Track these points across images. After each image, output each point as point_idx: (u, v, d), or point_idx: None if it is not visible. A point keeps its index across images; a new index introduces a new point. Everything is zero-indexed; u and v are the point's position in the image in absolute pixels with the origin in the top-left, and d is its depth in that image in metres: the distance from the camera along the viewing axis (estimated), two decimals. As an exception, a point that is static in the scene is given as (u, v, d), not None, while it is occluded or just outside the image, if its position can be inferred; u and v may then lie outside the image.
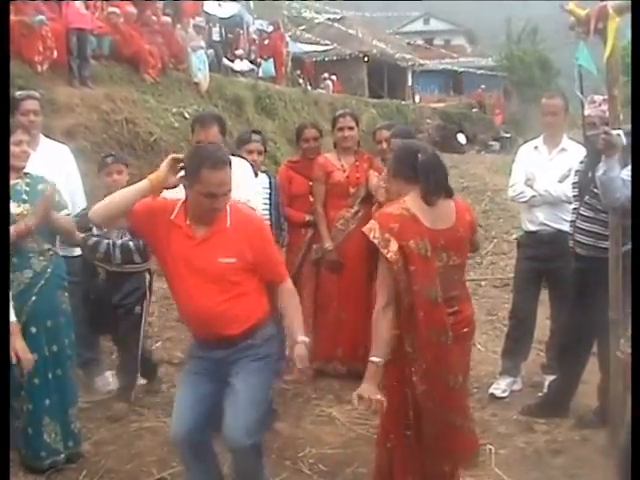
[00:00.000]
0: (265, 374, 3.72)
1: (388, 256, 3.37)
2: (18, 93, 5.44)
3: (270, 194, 5.67)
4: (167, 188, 3.55)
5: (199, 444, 3.69)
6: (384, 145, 5.81)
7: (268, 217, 5.57)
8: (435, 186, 3.52)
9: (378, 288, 3.50)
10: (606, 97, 4.47)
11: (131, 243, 5.10)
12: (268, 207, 5.58)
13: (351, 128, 6.02)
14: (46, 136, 5.51)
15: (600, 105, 4.68)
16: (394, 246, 3.37)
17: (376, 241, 3.40)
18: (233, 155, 4.80)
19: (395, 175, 3.65)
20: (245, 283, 3.61)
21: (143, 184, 3.51)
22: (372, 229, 3.43)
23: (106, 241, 5.08)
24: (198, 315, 3.58)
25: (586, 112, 4.86)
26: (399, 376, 3.60)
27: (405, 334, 3.50)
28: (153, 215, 3.58)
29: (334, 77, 27.94)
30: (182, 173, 3.53)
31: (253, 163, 5.29)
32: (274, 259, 3.82)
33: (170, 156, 3.58)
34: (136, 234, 4.22)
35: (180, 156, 3.58)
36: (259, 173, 5.54)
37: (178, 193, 3.64)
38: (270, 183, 5.71)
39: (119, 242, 5.10)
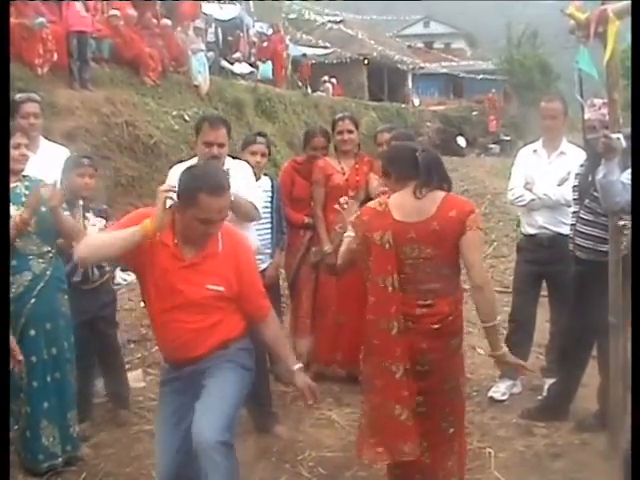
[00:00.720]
0: (238, 376, 3.52)
1: (354, 246, 3.73)
2: (18, 96, 5.43)
3: (272, 197, 5.67)
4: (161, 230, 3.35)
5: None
6: (385, 148, 5.81)
7: (269, 220, 5.57)
8: (437, 179, 3.64)
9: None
10: (606, 100, 4.46)
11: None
12: (269, 210, 5.57)
13: (350, 131, 6.00)
14: (46, 138, 5.50)
15: (600, 109, 4.68)
16: (359, 238, 3.66)
17: (352, 233, 3.74)
18: (234, 158, 4.82)
19: (398, 178, 3.74)
20: (227, 309, 3.49)
21: (136, 231, 3.28)
22: (354, 222, 3.76)
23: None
24: (173, 338, 3.44)
25: (586, 116, 4.86)
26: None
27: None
28: None
29: (334, 80, 27.97)
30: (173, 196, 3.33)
31: (256, 165, 5.29)
32: (259, 291, 3.66)
33: (160, 189, 3.34)
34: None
35: (168, 187, 3.34)
36: (261, 176, 5.55)
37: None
38: (272, 186, 5.70)
39: None
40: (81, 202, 4.92)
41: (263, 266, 5.47)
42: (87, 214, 4.96)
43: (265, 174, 5.72)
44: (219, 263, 3.44)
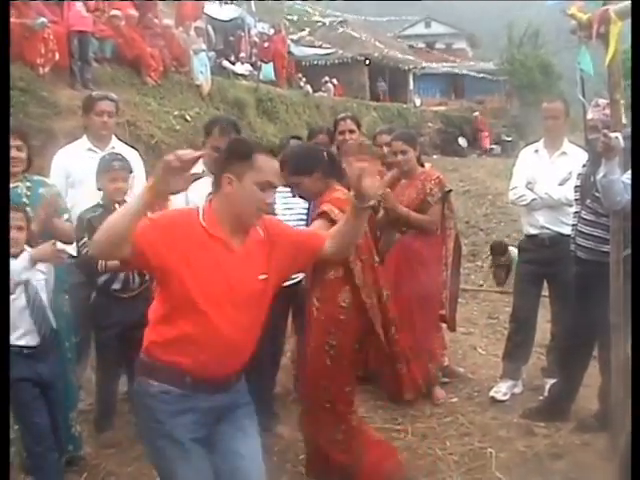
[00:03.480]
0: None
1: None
2: (95, 93, 5.45)
3: (308, 207, 5.26)
4: (173, 193, 2.82)
5: None
6: (385, 149, 5.81)
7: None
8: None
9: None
10: (609, 101, 4.47)
11: None
12: (305, 219, 5.22)
13: (352, 131, 5.98)
14: (119, 139, 5.51)
15: (604, 109, 4.68)
16: None
17: (338, 218, 3.77)
18: None
19: (323, 175, 4.16)
20: (265, 307, 3.08)
21: (140, 195, 2.76)
22: (331, 210, 3.99)
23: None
24: (223, 347, 2.94)
25: (589, 115, 4.87)
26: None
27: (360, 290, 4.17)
28: (169, 229, 2.88)
29: (335, 80, 27.95)
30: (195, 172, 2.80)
31: None
32: (307, 233, 3.45)
33: (166, 157, 2.69)
34: (144, 262, 2.92)
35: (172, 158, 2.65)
36: None
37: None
38: None
39: None
40: (117, 206, 4.50)
41: (300, 277, 5.40)
42: None
43: None
44: (264, 249, 3.09)
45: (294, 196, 4.47)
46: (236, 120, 5.20)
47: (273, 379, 5.29)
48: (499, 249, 10.15)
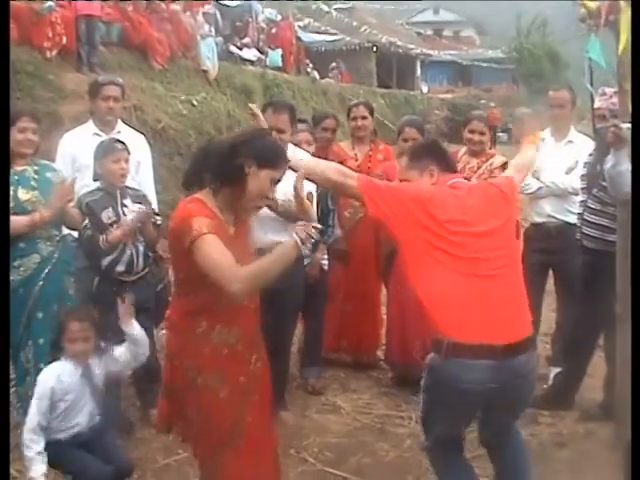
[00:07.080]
0: None
1: None
2: (101, 78, 5.44)
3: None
4: None
5: None
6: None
7: None
8: None
9: None
10: (617, 90, 4.44)
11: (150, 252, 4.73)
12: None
13: (364, 117, 5.96)
14: (125, 123, 5.50)
15: (610, 97, 4.66)
16: None
17: None
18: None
19: None
20: None
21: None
22: None
23: (128, 253, 4.57)
24: None
25: (596, 104, 4.85)
26: None
27: None
28: None
29: (342, 67, 27.85)
30: None
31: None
32: None
33: None
34: None
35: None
36: None
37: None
38: None
39: (141, 249, 4.63)
40: (118, 191, 4.59)
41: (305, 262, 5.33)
42: (125, 201, 4.59)
43: None
44: None
45: None
46: (292, 103, 5.21)
47: (287, 367, 5.27)
48: None
